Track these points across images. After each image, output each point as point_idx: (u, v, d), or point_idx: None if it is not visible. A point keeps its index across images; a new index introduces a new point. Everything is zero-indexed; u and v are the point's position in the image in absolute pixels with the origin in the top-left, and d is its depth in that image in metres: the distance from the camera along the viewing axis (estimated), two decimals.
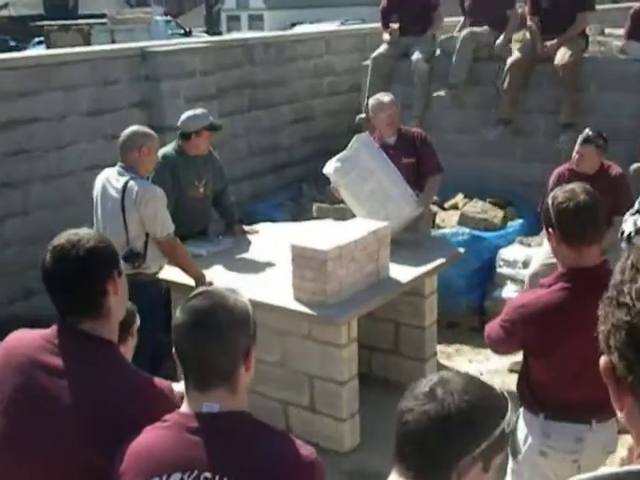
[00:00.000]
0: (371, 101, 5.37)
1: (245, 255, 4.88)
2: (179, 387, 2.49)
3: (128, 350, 3.03)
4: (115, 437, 1.75)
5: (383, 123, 5.25)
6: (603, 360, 1.02)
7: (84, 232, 2.04)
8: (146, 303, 4.08)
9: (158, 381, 1.98)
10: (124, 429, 1.76)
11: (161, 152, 4.84)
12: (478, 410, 1.45)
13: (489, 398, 1.50)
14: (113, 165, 4.33)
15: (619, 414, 1.04)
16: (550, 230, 2.70)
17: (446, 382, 1.48)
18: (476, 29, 6.98)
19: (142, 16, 25.07)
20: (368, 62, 7.43)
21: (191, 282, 4.30)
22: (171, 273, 4.46)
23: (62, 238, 2.00)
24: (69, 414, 1.85)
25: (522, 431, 2.83)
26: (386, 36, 7.42)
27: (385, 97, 5.29)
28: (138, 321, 3.11)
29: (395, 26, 7.23)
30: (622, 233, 4.35)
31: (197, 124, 4.87)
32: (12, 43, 32.63)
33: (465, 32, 6.97)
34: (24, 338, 2.02)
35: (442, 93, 6.90)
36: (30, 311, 5.48)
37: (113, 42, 18.39)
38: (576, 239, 2.61)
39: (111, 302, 2.00)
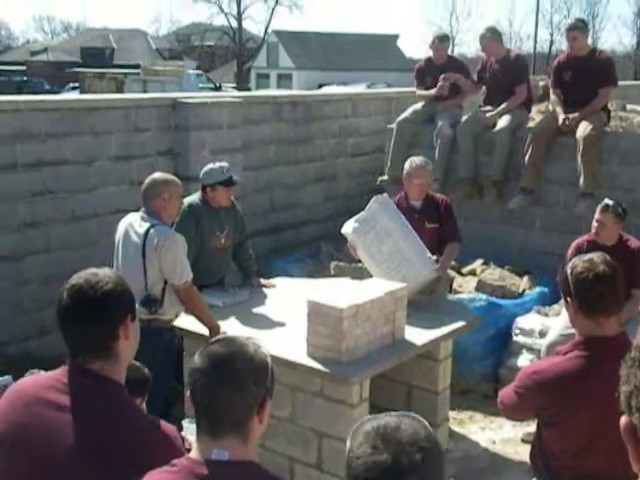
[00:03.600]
0: (408, 163, 5.34)
1: (261, 308, 4.87)
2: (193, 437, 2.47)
3: None
4: (113, 476, 1.75)
5: (415, 188, 5.27)
6: (624, 421, 1.01)
7: (104, 273, 2.05)
8: (159, 349, 4.08)
9: (164, 425, 1.98)
10: (124, 468, 1.76)
11: (187, 201, 4.91)
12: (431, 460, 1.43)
13: (437, 446, 1.47)
14: (137, 210, 4.39)
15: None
16: (568, 299, 2.68)
17: (394, 430, 1.44)
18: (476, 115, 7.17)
19: (174, 69, 25.71)
20: (393, 125, 7.55)
21: (205, 331, 4.30)
22: (186, 321, 4.46)
23: (81, 277, 2.02)
24: (71, 449, 1.85)
25: None
26: (420, 92, 7.60)
27: (423, 163, 5.29)
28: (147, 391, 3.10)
29: (432, 91, 7.44)
30: None
31: (212, 179, 4.93)
32: (47, 86, 33.48)
33: (462, 124, 7.12)
34: (32, 380, 2.05)
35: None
36: (44, 349, 5.50)
37: (145, 92, 18.80)
38: (594, 309, 2.59)
39: (121, 346, 2.01)
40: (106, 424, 1.88)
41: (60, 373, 1.98)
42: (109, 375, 1.98)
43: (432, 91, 7.43)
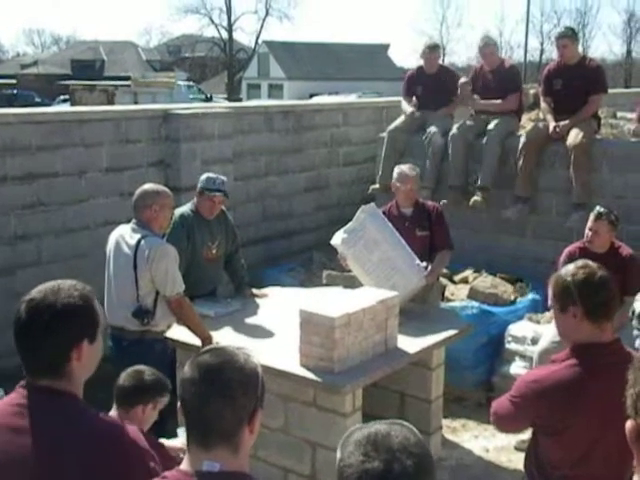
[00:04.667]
0: (396, 171, 5.44)
1: (253, 318, 4.87)
2: (174, 442, 2.47)
3: (146, 416, 3.00)
4: None
5: (402, 195, 5.33)
6: (629, 424, 1.01)
7: (66, 290, 1.96)
8: (151, 360, 4.06)
9: (128, 428, 1.95)
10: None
11: (178, 211, 4.91)
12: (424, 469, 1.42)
13: (427, 451, 1.46)
14: (128, 222, 4.38)
15: None
16: (570, 307, 2.63)
17: (385, 437, 1.43)
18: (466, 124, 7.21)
19: (165, 80, 25.70)
20: (384, 134, 7.58)
21: (198, 342, 4.29)
22: (178, 332, 4.45)
23: (42, 292, 1.95)
24: (35, 473, 1.82)
25: None
26: (404, 105, 7.64)
27: (409, 170, 5.35)
28: (166, 398, 3.09)
29: (413, 104, 7.52)
30: (633, 312, 4.34)
31: (200, 184, 4.98)
32: (38, 99, 33.44)
33: (453, 132, 7.15)
34: None
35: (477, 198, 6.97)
36: None
37: (136, 104, 18.79)
38: (600, 314, 2.57)
39: (73, 367, 1.94)
40: (62, 439, 1.84)
41: (12, 396, 1.94)
42: (61, 388, 1.93)
43: (410, 109, 7.49)
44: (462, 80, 7.21)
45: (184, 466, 1.72)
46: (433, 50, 7.65)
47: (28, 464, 1.83)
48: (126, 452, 1.87)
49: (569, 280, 2.61)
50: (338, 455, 1.45)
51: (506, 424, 2.92)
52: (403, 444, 1.41)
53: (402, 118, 7.60)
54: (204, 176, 5.04)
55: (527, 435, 4.75)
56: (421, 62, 7.74)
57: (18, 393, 1.94)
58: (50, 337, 1.91)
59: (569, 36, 6.79)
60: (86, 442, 1.84)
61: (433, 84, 7.50)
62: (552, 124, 6.63)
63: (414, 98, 7.62)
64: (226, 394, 1.69)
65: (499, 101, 7.06)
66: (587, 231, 4.92)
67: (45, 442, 1.84)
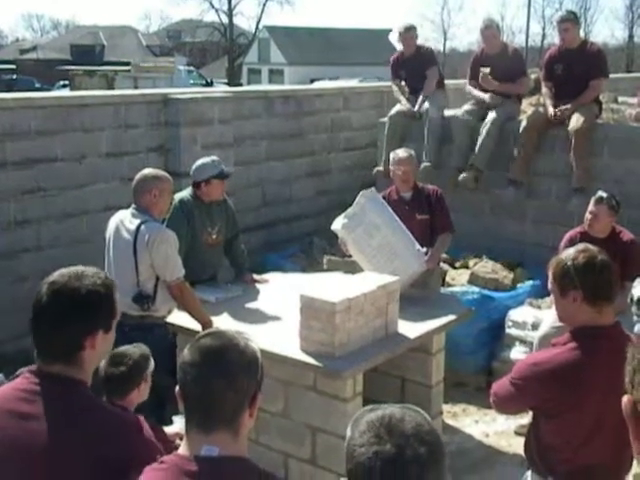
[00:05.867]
0: (391, 155, 5.49)
1: (253, 303, 4.87)
2: (173, 429, 2.48)
3: (141, 395, 3.00)
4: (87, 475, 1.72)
5: (398, 178, 5.35)
6: (626, 398, 1.01)
7: (89, 277, 1.95)
8: (152, 346, 4.07)
9: (135, 418, 1.95)
10: (100, 470, 1.73)
11: (178, 196, 4.89)
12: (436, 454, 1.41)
13: (439, 439, 1.45)
14: (128, 207, 4.37)
15: (637, 455, 1.02)
16: (570, 291, 2.64)
17: (399, 421, 1.41)
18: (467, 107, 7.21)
19: (165, 65, 25.61)
20: (385, 119, 7.56)
21: (198, 327, 4.29)
22: (178, 318, 4.45)
23: (65, 276, 1.94)
24: (41, 459, 1.81)
25: None
26: (398, 94, 7.71)
27: (403, 153, 5.40)
28: (152, 365, 3.07)
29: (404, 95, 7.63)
30: (632, 298, 4.33)
31: (206, 173, 4.91)
32: (37, 85, 33.34)
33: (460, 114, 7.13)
34: None
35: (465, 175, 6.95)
36: None
37: (136, 89, 18.71)
38: (600, 297, 2.57)
39: (86, 355, 1.94)
40: (72, 428, 1.83)
41: (19, 381, 1.93)
42: (71, 375, 1.92)
43: (403, 104, 7.52)
44: (484, 70, 7.05)
45: (182, 450, 1.71)
46: (408, 31, 7.65)
47: (36, 450, 1.82)
48: (134, 442, 1.86)
49: (569, 264, 2.61)
50: (348, 433, 1.43)
51: (505, 406, 2.92)
52: (417, 430, 1.40)
53: (398, 106, 7.59)
54: (203, 163, 4.95)
55: (527, 420, 4.78)
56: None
57: (25, 379, 1.92)
58: (68, 323, 1.90)
59: (571, 20, 6.75)
60: (96, 431, 1.84)
61: (414, 65, 7.54)
62: (551, 109, 6.61)
63: (403, 84, 7.73)
64: (228, 376, 1.68)
65: (511, 84, 7.02)
66: (587, 215, 4.91)
67: (54, 429, 1.83)
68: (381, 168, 7.42)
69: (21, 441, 1.84)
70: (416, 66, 7.54)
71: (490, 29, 7.17)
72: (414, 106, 7.45)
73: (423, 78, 7.50)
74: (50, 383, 1.90)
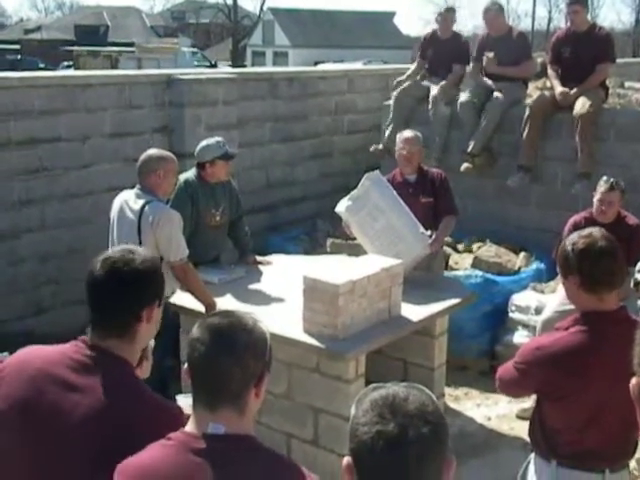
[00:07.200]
0: (397, 135, 5.49)
1: (257, 285, 4.87)
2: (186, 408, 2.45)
3: (143, 372, 3.01)
4: (121, 458, 1.71)
5: (402, 158, 5.33)
6: (635, 380, 1.00)
7: (140, 253, 2.02)
8: None
9: (173, 406, 1.96)
10: (131, 451, 1.72)
11: (182, 177, 4.88)
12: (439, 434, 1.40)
13: (443, 419, 1.43)
14: (132, 187, 4.36)
15: None
16: (569, 276, 2.64)
17: (403, 401, 1.40)
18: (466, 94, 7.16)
19: (169, 46, 25.52)
20: (390, 102, 7.52)
21: (201, 308, 4.30)
22: (182, 298, 4.46)
23: (117, 252, 1.99)
24: (77, 429, 1.83)
25: (532, 478, 2.77)
26: (413, 65, 7.72)
27: (410, 133, 5.40)
28: (152, 343, 3.09)
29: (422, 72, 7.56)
30: (636, 283, 4.32)
31: (210, 154, 4.90)
32: (41, 65, 33.24)
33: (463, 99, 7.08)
34: (40, 352, 1.99)
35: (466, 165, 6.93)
36: (40, 328, 5.50)
37: (140, 70, 18.64)
38: (598, 284, 2.56)
39: (141, 328, 1.99)
40: (114, 406, 1.84)
41: (70, 348, 1.95)
42: (121, 354, 1.95)
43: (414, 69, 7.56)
44: (489, 55, 7.02)
45: (189, 428, 1.72)
46: (448, 13, 7.60)
47: (75, 420, 1.83)
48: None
49: (569, 249, 2.62)
50: (352, 411, 1.42)
51: (510, 389, 2.94)
52: (420, 410, 1.39)
53: (407, 82, 7.53)
54: (207, 144, 4.93)
55: (529, 404, 4.79)
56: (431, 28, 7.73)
57: (76, 347, 1.95)
58: (129, 293, 1.95)
59: (580, 2, 6.69)
60: (144, 416, 1.85)
61: (444, 49, 7.43)
62: (559, 89, 6.56)
63: (426, 64, 7.63)
64: (235, 354, 1.69)
65: (516, 68, 6.96)
66: (598, 203, 4.85)
67: (97, 404, 1.84)
68: (380, 146, 7.39)
69: (61, 408, 1.85)
70: (447, 50, 7.41)
71: (490, 12, 7.08)
72: (425, 92, 7.39)
73: (448, 63, 7.38)
74: (101, 358, 1.92)
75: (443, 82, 7.27)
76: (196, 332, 1.74)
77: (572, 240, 2.64)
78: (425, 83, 7.48)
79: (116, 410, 1.84)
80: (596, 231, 2.66)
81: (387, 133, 7.35)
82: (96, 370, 1.90)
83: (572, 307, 2.77)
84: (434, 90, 7.23)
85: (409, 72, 7.72)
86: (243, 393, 1.71)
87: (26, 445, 1.87)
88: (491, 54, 6.94)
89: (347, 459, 1.41)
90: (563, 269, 2.67)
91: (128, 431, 1.80)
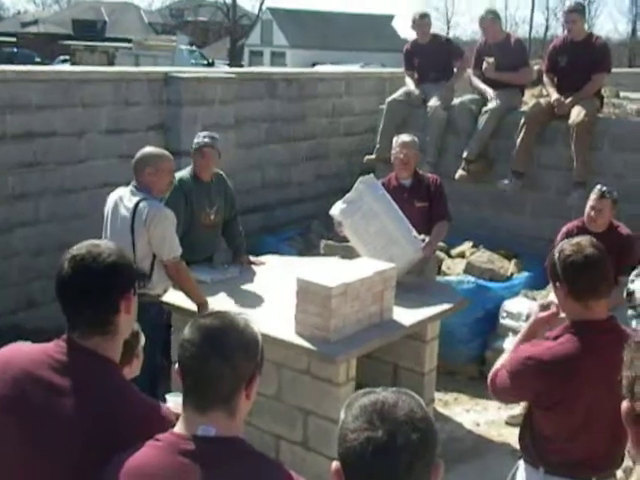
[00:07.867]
0: (394, 140, 5.49)
1: (249, 285, 4.87)
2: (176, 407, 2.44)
3: (133, 371, 2.99)
4: (108, 459, 1.70)
5: (398, 162, 5.34)
6: (625, 405, 1.00)
7: (105, 245, 1.99)
8: (147, 324, 4.06)
9: (160, 406, 1.94)
10: (117, 453, 1.71)
11: (177, 176, 4.88)
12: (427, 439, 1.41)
13: (432, 426, 1.44)
14: (127, 184, 4.35)
15: (631, 451, 1.02)
16: (557, 284, 2.66)
17: (392, 407, 1.40)
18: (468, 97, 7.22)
19: (167, 43, 25.46)
20: (384, 106, 7.54)
21: (194, 307, 4.29)
22: (174, 297, 4.45)
23: (83, 248, 1.95)
24: (61, 432, 1.81)
25: None
26: (408, 79, 7.62)
27: (407, 137, 5.41)
28: (143, 341, 3.08)
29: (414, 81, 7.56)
30: (629, 293, 4.33)
31: (197, 143, 5.01)
32: (37, 59, 33.12)
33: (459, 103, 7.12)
34: (23, 351, 1.95)
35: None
36: (31, 322, 5.47)
37: (137, 66, 18.60)
38: (584, 293, 2.58)
39: (121, 320, 1.96)
40: (104, 407, 1.82)
41: (52, 348, 1.91)
42: (105, 352, 1.92)
43: (411, 86, 7.50)
44: (489, 60, 7.00)
45: (178, 429, 1.71)
46: (422, 18, 7.58)
47: (64, 421, 1.81)
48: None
49: (556, 257, 2.64)
50: (342, 416, 1.42)
51: (502, 396, 2.95)
52: (409, 417, 1.39)
53: (402, 90, 7.55)
54: (196, 136, 5.10)
55: (518, 410, 4.80)
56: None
57: (58, 346, 1.91)
58: (101, 289, 1.92)
59: (579, 11, 6.74)
60: (130, 418, 1.82)
61: (428, 54, 7.46)
62: (555, 96, 6.59)
63: (415, 73, 7.62)
64: (226, 355, 1.68)
65: (514, 74, 6.98)
66: (589, 210, 4.88)
67: (85, 406, 1.82)
68: (373, 156, 7.41)
69: (45, 411, 1.82)
70: (431, 54, 7.44)
71: (485, 20, 7.11)
72: (420, 98, 7.39)
73: (436, 66, 7.41)
74: (85, 359, 1.89)
75: (442, 90, 7.28)
76: (187, 333, 1.73)
77: (560, 248, 2.67)
78: (418, 92, 7.46)
79: (101, 412, 1.82)
80: (585, 240, 2.67)
81: (378, 145, 7.36)
82: (80, 371, 1.87)
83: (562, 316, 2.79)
84: (433, 100, 7.22)
85: (406, 89, 7.60)
86: (234, 395, 1.70)
87: (10, 445, 1.85)
88: (491, 59, 6.95)
89: (336, 464, 1.41)
90: (552, 277, 2.70)
91: (114, 432, 1.78)
